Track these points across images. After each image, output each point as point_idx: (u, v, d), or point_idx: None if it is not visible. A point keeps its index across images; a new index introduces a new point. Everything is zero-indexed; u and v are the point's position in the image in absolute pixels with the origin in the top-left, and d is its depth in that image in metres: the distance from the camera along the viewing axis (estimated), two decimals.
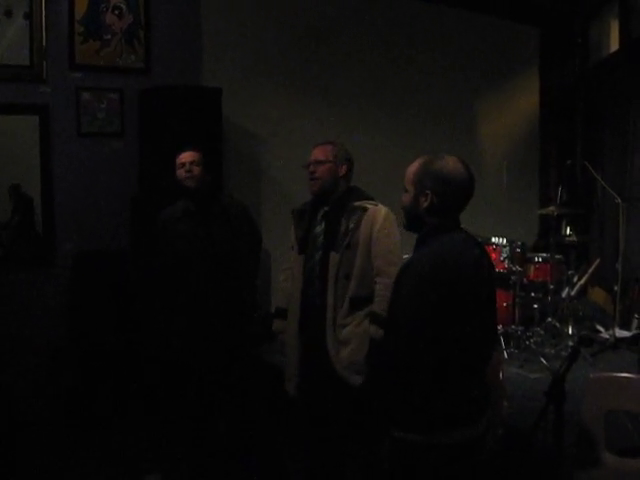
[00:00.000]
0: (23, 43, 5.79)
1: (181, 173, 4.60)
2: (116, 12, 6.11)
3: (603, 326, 6.35)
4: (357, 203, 3.95)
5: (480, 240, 2.97)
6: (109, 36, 6.09)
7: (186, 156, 4.61)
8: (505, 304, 6.12)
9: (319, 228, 4.00)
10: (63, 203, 5.95)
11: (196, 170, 4.58)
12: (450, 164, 2.71)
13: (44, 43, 5.82)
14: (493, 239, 6.22)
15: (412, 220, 2.80)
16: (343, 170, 4.01)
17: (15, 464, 4.75)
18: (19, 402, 5.56)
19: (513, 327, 6.12)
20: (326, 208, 4.01)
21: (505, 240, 6.20)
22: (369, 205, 3.95)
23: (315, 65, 7.09)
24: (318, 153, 4.01)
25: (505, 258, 6.11)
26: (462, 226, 2.80)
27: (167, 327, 4.67)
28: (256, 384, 4.93)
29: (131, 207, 6.01)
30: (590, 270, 6.29)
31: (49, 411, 5.63)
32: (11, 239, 5.86)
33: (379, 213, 3.91)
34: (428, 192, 2.70)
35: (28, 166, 5.88)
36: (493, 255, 6.04)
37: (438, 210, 2.71)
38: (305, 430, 4.18)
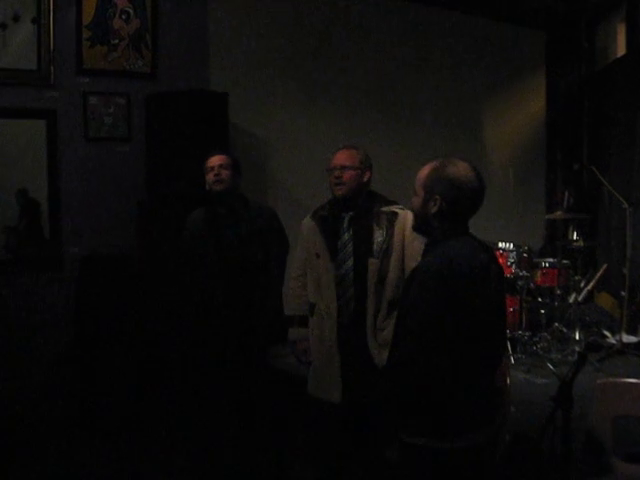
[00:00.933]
0: (31, 48, 5.81)
1: (210, 177, 4.54)
2: (123, 17, 6.12)
3: (610, 331, 6.35)
4: (385, 208, 3.94)
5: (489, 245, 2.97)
6: (116, 41, 6.10)
7: (214, 160, 4.55)
8: (512, 309, 6.11)
9: (347, 235, 3.96)
10: (70, 207, 5.96)
11: (224, 174, 4.52)
12: (461, 170, 2.70)
13: (52, 48, 5.84)
14: (500, 244, 6.21)
15: (421, 223, 2.80)
16: (367, 176, 3.99)
17: (17, 468, 4.73)
18: (24, 405, 5.56)
19: (520, 332, 6.11)
20: (351, 214, 3.98)
21: (512, 245, 6.19)
22: (397, 209, 3.96)
23: (321, 70, 7.10)
24: (344, 158, 3.96)
25: (512, 263, 6.10)
26: (469, 231, 2.80)
27: (179, 331, 4.67)
28: (266, 389, 4.91)
29: (138, 211, 6.02)
30: (597, 275, 6.28)
31: (54, 414, 5.63)
32: (18, 243, 5.87)
33: (408, 217, 3.89)
34: (437, 197, 2.69)
35: (35, 170, 5.89)
36: (500, 260, 6.03)
37: (447, 215, 2.70)
38: (337, 437, 4.15)
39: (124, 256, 5.95)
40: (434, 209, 2.70)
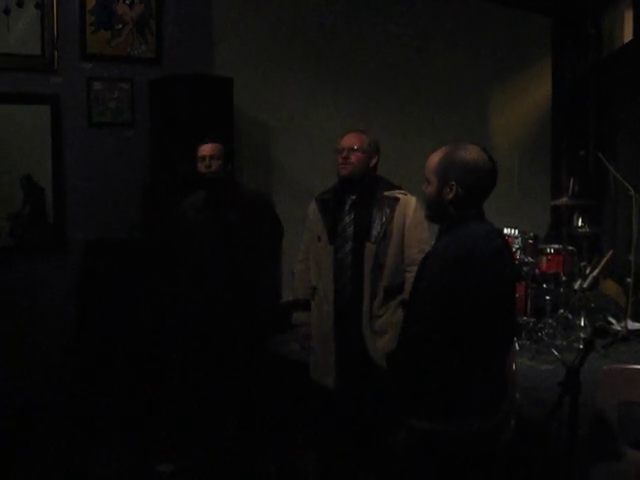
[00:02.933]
0: (34, 33, 5.78)
1: (201, 167, 4.55)
2: (127, 2, 6.09)
3: (615, 318, 6.32)
4: (387, 193, 3.94)
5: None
6: (120, 26, 6.07)
7: (206, 149, 4.55)
8: (517, 295, 6.09)
9: (348, 218, 3.97)
10: (74, 193, 5.95)
11: (215, 165, 4.52)
12: (473, 154, 2.68)
13: (55, 33, 5.81)
14: (505, 230, 6.17)
15: (436, 211, 2.77)
16: (374, 161, 4.00)
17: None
18: (30, 389, 5.57)
19: (525, 318, 6.11)
20: (353, 197, 3.98)
21: (517, 231, 6.17)
22: (399, 195, 3.95)
23: (328, 55, 7.07)
24: (353, 140, 3.96)
25: (517, 249, 6.08)
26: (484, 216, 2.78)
27: (183, 316, 4.67)
28: (266, 375, 4.91)
29: (142, 196, 6.01)
30: (602, 262, 6.26)
31: (59, 399, 5.63)
32: (23, 229, 5.86)
33: (410, 203, 3.92)
34: (453, 183, 2.66)
35: (39, 156, 5.88)
36: None
37: (463, 201, 2.67)
38: (336, 423, 4.15)
39: (129, 241, 5.96)
40: (450, 195, 2.68)
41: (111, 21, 6.04)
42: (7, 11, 5.69)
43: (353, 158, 3.92)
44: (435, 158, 2.73)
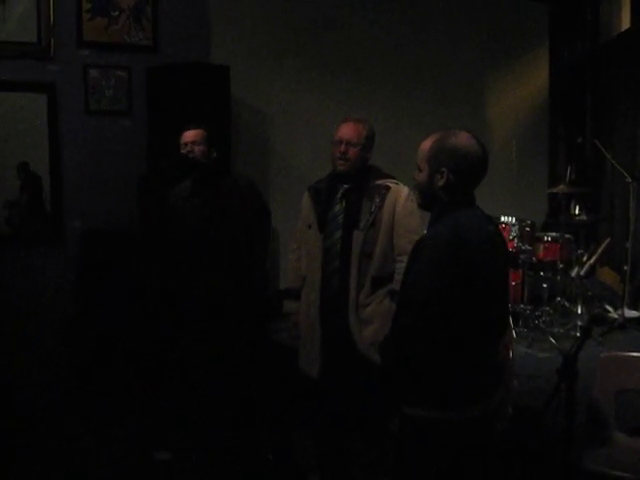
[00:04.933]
0: (31, 20, 5.76)
1: (183, 153, 4.56)
2: None
3: (612, 306, 6.33)
4: (378, 182, 3.92)
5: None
6: (117, 13, 6.05)
7: (188, 135, 4.55)
8: (514, 283, 6.09)
9: (338, 207, 3.96)
10: (71, 181, 5.95)
11: (197, 150, 4.51)
12: (464, 140, 2.68)
13: (52, 20, 5.79)
14: (502, 218, 6.18)
15: (427, 198, 2.77)
16: (370, 152, 3.99)
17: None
18: (27, 379, 5.58)
19: (522, 306, 6.11)
20: (345, 186, 3.97)
21: (514, 219, 6.16)
22: (391, 184, 3.93)
23: (323, 43, 7.04)
24: (351, 132, 3.91)
25: (514, 237, 6.08)
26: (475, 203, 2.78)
27: (180, 307, 4.66)
28: (263, 362, 4.91)
29: (139, 185, 6.00)
30: (599, 250, 6.27)
31: (58, 389, 5.64)
32: (20, 217, 5.86)
33: (401, 192, 3.90)
34: (444, 170, 2.66)
35: (36, 144, 5.87)
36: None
37: (454, 187, 2.67)
38: (324, 412, 4.16)
39: (125, 231, 5.94)
40: (441, 182, 2.68)
41: (107, 8, 6.02)
42: None
43: (351, 153, 3.89)
44: (426, 145, 2.73)
